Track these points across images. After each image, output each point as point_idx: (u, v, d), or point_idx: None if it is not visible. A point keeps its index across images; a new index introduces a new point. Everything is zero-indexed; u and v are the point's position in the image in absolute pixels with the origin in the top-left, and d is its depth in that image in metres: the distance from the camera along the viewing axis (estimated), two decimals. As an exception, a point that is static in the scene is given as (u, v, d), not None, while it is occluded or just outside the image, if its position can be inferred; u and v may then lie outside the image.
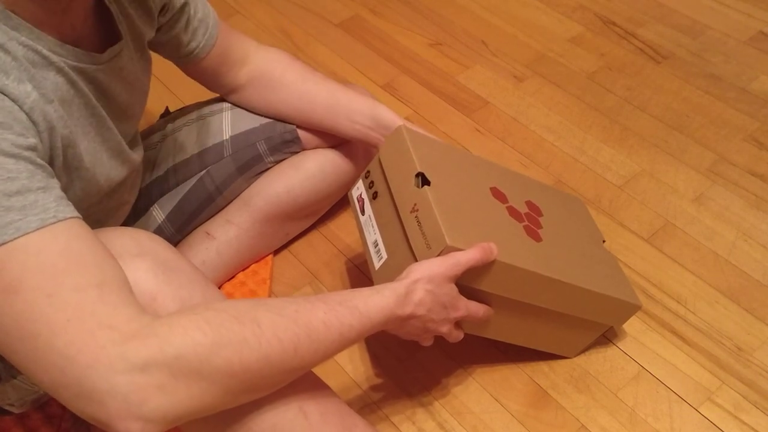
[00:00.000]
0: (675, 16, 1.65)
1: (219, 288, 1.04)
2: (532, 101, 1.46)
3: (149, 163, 1.08)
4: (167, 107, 1.20)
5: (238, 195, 1.11)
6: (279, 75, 1.08)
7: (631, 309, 1.00)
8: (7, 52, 0.64)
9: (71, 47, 0.71)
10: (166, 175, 1.07)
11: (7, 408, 0.85)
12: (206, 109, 1.11)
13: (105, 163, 0.80)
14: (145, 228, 1.06)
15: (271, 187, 1.10)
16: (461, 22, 1.65)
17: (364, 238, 0.95)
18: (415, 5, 1.70)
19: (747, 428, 0.98)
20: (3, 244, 0.57)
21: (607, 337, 1.08)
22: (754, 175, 1.31)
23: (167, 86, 1.48)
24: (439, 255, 0.81)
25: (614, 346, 1.07)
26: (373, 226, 0.94)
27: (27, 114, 0.63)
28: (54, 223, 0.60)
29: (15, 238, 0.57)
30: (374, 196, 0.95)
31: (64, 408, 0.97)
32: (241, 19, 1.66)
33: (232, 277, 1.14)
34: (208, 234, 1.09)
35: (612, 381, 1.03)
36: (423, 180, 0.88)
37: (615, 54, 1.56)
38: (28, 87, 0.64)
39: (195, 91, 1.14)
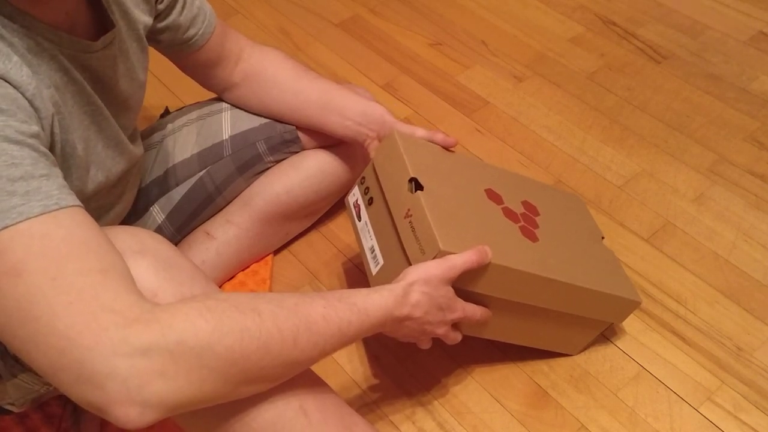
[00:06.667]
0: (675, 16, 1.65)
1: (219, 288, 1.04)
2: (532, 101, 1.46)
3: (149, 163, 1.08)
4: (167, 107, 1.20)
5: (238, 195, 1.11)
6: (272, 73, 1.08)
7: (631, 305, 1.00)
8: (4, 38, 0.64)
9: (64, 34, 0.71)
10: (166, 175, 1.07)
11: (7, 407, 0.85)
12: (206, 109, 1.11)
13: (100, 153, 0.80)
14: (145, 228, 1.05)
15: (271, 187, 1.10)
16: (461, 22, 1.65)
17: (361, 243, 0.95)
18: (415, 5, 1.70)
19: (747, 428, 0.98)
20: (6, 227, 0.57)
21: (607, 336, 1.08)
22: (754, 175, 1.31)
23: (167, 86, 1.49)
24: (433, 260, 0.81)
25: (614, 346, 1.07)
26: (369, 232, 0.94)
27: (29, 101, 0.64)
28: (56, 210, 0.60)
29: (17, 222, 0.58)
30: (370, 202, 0.95)
31: (64, 408, 0.97)
32: (241, 19, 1.66)
33: (232, 277, 1.14)
34: (208, 234, 1.09)
35: (612, 381, 1.03)
36: (416, 185, 0.88)
37: (615, 54, 1.56)
38: (29, 72, 0.65)
39: (195, 91, 1.14)
